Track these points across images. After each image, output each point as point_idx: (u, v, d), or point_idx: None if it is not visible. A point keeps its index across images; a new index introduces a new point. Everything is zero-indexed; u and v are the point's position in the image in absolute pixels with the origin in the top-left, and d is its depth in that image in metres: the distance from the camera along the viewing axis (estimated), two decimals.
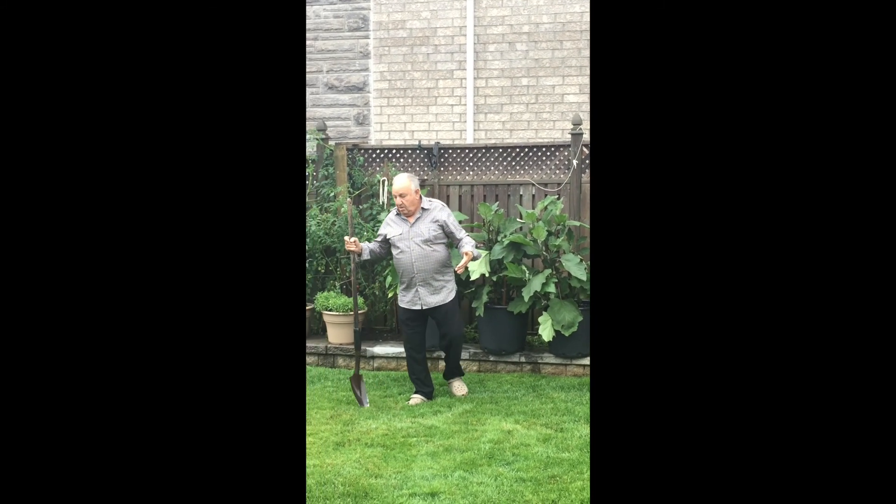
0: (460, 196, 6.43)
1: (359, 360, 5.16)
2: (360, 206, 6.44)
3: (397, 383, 5.43)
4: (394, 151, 6.62)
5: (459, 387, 5.14)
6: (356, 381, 5.02)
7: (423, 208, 4.97)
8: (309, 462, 3.77)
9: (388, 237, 4.99)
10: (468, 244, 4.86)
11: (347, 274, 6.28)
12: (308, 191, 6.67)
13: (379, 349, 5.97)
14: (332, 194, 6.48)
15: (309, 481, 3.47)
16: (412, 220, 4.92)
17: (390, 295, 6.03)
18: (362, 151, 6.64)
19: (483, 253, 5.38)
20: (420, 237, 4.87)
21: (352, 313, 6.01)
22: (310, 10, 8.41)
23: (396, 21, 8.19)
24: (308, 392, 5.22)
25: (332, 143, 6.79)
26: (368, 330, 6.45)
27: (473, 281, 5.56)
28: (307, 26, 8.44)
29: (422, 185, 6.39)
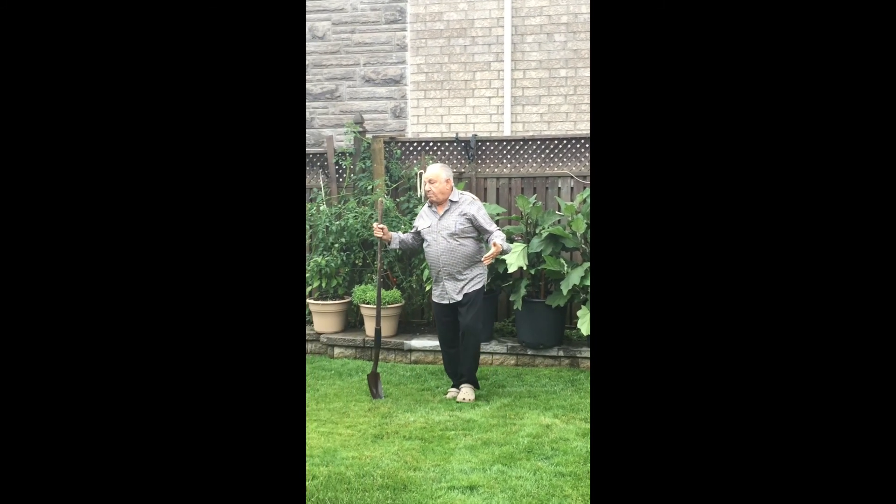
0: (498, 189, 6.39)
1: (377, 357, 5.06)
2: (398, 199, 6.44)
3: (434, 376, 5.42)
4: (431, 144, 6.60)
5: (464, 392, 4.85)
6: (373, 379, 4.95)
7: (451, 201, 4.85)
8: (347, 454, 3.78)
9: (419, 229, 4.93)
10: (498, 237, 4.73)
11: (385, 268, 6.29)
12: (346, 184, 6.69)
13: (416, 342, 5.97)
14: (369, 187, 6.49)
15: (348, 473, 3.48)
16: (441, 211, 4.83)
17: (427, 288, 6.02)
18: (399, 144, 6.63)
19: (514, 246, 5.29)
20: (447, 230, 4.77)
21: (390, 306, 6.03)
22: (347, 4, 8.42)
23: (433, 13, 8.15)
24: (346, 385, 5.24)
25: (369, 136, 6.80)
26: (406, 323, 6.45)
27: (511, 274, 5.52)
28: (344, 19, 8.46)
29: (459, 178, 6.37)
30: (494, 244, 4.63)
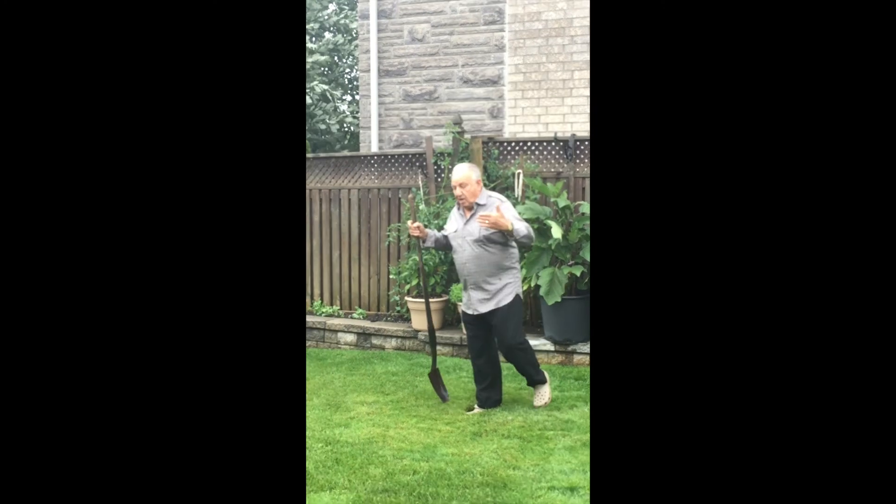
0: None
1: (435, 354, 4.95)
2: None
3: None
4: (529, 144, 6.59)
5: (540, 395, 4.64)
6: (435, 376, 4.86)
7: (477, 203, 4.47)
8: (447, 450, 3.84)
9: (447, 233, 4.64)
10: (516, 221, 4.35)
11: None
12: (444, 183, 6.77)
13: None
14: None
15: (448, 469, 3.54)
16: (468, 215, 4.49)
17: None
18: (497, 144, 6.66)
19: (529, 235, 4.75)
20: (472, 236, 4.43)
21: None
22: (446, 6, 8.52)
23: (532, 13, 8.14)
24: (444, 382, 5.30)
25: (467, 136, 6.85)
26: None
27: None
28: (443, 21, 8.55)
29: (557, 178, 6.34)
30: (497, 214, 4.26)
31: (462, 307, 4.66)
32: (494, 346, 4.64)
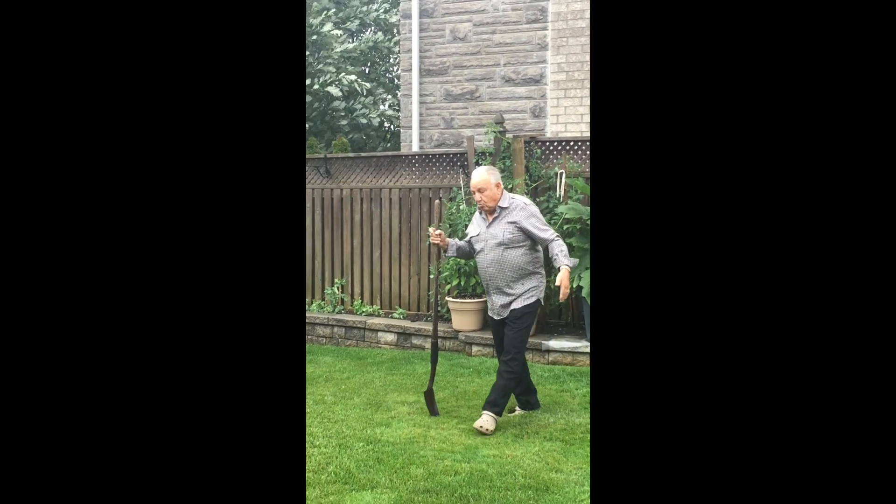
0: None
1: (434, 372, 4.69)
2: (538, 199, 6.41)
3: (573, 378, 5.37)
4: (571, 143, 6.53)
5: (483, 420, 4.18)
6: (429, 396, 4.59)
7: (500, 207, 4.33)
8: (488, 452, 3.81)
9: (470, 237, 4.49)
10: (561, 255, 4.13)
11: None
12: None
13: (554, 343, 5.93)
14: (509, 186, 6.50)
15: (490, 471, 3.51)
16: (490, 219, 4.36)
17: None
18: (539, 144, 6.61)
19: (578, 261, 4.64)
20: (495, 239, 4.28)
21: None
22: (488, 4, 8.48)
23: (575, 11, 8.06)
24: (485, 382, 5.28)
25: (509, 135, 6.81)
26: (544, 323, 6.43)
27: None
28: (486, 20, 8.52)
29: None
30: (565, 268, 4.09)
31: (489, 311, 4.54)
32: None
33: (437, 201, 4.96)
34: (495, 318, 4.43)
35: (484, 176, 4.30)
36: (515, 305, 4.30)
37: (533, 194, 6.45)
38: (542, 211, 6.32)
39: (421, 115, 8.90)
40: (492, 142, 6.77)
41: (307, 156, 7.92)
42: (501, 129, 6.71)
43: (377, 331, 6.96)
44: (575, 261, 4.32)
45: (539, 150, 6.57)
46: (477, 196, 4.33)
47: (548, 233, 4.27)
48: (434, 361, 4.71)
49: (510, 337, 4.29)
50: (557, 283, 4.15)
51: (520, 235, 4.25)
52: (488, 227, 4.35)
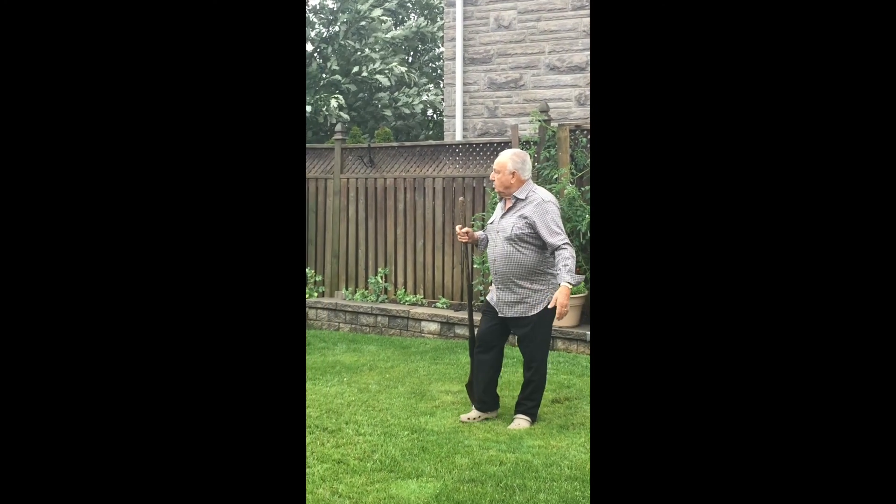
0: None
1: (473, 364, 4.37)
2: (582, 189, 6.34)
3: None
4: None
5: (518, 421, 4.08)
6: (471, 387, 4.40)
7: (516, 197, 3.98)
8: (533, 442, 3.79)
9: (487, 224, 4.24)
10: (564, 269, 3.76)
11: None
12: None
13: None
14: (554, 176, 6.44)
15: (535, 461, 3.49)
16: (506, 208, 4.05)
17: None
18: (585, 132, 6.53)
19: (584, 278, 4.36)
20: (504, 232, 3.97)
21: (574, 297, 5.97)
22: None
23: None
24: None
25: (554, 124, 6.74)
26: (587, 315, 6.37)
27: None
28: (531, 7, 8.44)
29: None
30: (566, 284, 3.72)
31: (488, 297, 4.24)
32: (502, 346, 4.29)
33: (460, 199, 4.86)
34: (497, 312, 4.11)
35: (504, 159, 4.00)
36: (528, 312, 3.99)
37: (578, 183, 6.38)
38: (587, 201, 6.24)
39: (464, 103, 8.86)
40: (536, 131, 6.71)
41: (350, 145, 7.95)
42: (546, 118, 6.65)
43: (420, 320, 6.98)
44: (579, 278, 4.00)
45: (585, 139, 6.49)
46: (492, 175, 4.09)
47: (558, 237, 3.86)
48: (472, 354, 4.46)
49: (531, 348, 4.05)
50: (552, 305, 3.78)
51: (529, 232, 3.91)
52: (502, 217, 4.07)
